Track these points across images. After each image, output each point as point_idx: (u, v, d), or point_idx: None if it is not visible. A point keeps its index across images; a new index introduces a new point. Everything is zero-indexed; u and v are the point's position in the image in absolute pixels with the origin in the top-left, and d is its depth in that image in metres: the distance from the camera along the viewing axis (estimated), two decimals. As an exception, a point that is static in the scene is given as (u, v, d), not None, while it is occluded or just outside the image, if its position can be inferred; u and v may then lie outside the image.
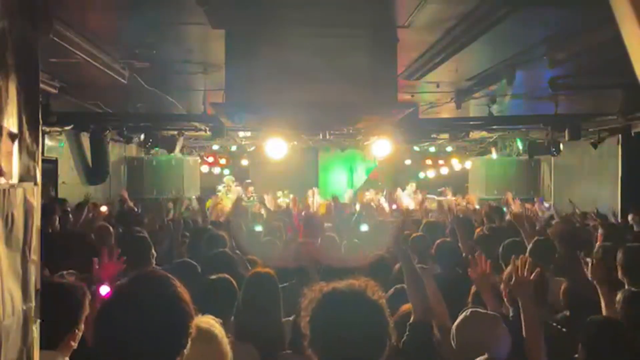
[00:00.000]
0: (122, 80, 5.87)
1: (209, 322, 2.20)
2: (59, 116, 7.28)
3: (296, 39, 4.51)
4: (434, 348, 2.91)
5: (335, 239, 5.73)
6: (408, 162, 14.64)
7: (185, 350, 1.66)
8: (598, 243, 5.40)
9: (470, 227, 6.27)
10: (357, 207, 10.11)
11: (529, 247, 4.47)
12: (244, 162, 14.27)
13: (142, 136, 9.01)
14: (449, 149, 13.48)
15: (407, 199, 11.68)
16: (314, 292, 1.93)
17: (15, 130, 1.61)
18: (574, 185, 10.82)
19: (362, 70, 4.57)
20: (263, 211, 8.32)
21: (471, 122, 9.17)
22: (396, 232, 3.39)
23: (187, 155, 12.11)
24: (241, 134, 10.68)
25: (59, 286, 2.53)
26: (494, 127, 9.53)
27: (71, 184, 8.90)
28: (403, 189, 12.94)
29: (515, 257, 2.97)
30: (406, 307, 3.10)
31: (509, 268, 3.01)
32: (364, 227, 6.33)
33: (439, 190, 12.98)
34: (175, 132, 9.39)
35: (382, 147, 8.50)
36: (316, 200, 11.32)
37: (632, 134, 8.74)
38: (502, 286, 3.29)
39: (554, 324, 3.32)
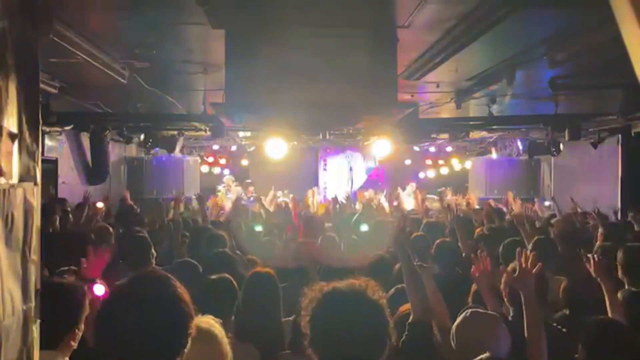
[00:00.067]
0: (122, 80, 5.87)
1: (209, 322, 2.20)
2: (59, 116, 7.27)
3: (296, 39, 4.51)
4: (433, 348, 2.92)
5: (335, 239, 5.73)
6: (408, 162, 14.64)
7: (185, 350, 1.66)
8: (598, 242, 5.40)
9: (470, 227, 6.28)
10: (357, 206, 10.12)
11: (529, 247, 4.47)
12: (244, 162, 14.26)
13: (142, 136, 9.01)
14: (449, 149, 13.47)
15: (408, 198, 11.67)
16: (314, 291, 1.94)
17: (15, 130, 1.61)
18: (574, 185, 10.81)
19: (362, 70, 4.57)
20: (262, 212, 8.32)
21: (471, 122, 9.17)
22: (396, 232, 3.39)
23: (187, 155, 12.11)
24: (241, 134, 10.68)
25: (59, 286, 2.53)
26: (494, 127, 9.53)
27: (71, 184, 8.90)
28: (403, 189, 12.94)
29: (519, 252, 2.97)
30: (406, 307, 3.11)
31: (514, 262, 3.00)
32: (364, 227, 6.33)
33: (438, 190, 12.96)
34: (175, 132, 9.38)
35: (382, 147, 8.50)
36: (316, 200, 11.33)
37: (632, 134, 8.74)
38: (502, 286, 3.29)
39: (554, 324, 3.32)
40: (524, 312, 2.80)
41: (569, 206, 8.36)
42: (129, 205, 8.31)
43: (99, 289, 2.86)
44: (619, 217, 8.35)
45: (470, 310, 2.81)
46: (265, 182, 13.14)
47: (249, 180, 13.46)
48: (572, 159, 10.92)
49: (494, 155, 12.41)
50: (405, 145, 11.60)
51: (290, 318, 3.47)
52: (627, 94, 6.68)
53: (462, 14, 4.21)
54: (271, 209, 8.62)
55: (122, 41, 5.14)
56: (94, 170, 9.23)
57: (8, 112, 1.57)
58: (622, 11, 1.11)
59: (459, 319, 2.77)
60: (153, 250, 4.50)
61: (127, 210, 7.86)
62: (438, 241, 4.81)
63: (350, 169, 15.19)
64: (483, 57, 5.56)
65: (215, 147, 13.23)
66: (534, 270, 2.86)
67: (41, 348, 1.78)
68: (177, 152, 10.24)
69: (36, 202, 1.73)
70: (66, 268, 3.43)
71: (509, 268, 3.13)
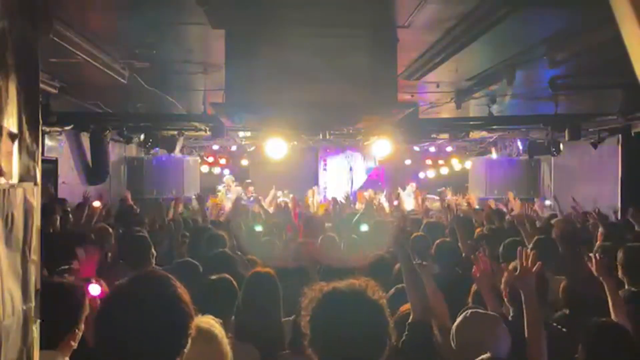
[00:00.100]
0: (122, 80, 5.87)
1: (209, 322, 2.20)
2: (59, 116, 7.27)
3: (296, 39, 4.51)
4: (433, 348, 2.92)
5: (335, 239, 5.73)
6: (408, 162, 14.64)
7: (185, 351, 1.66)
8: (598, 242, 5.40)
9: (470, 227, 6.28)
10: (357, 206, 10.12)
11: (530, 246, 4.47)
12: (244, 162, 14.26)
13: (142, 136, 9.00)
14: (449, 149, 13.47)
15: (408, 198, 11.67)
16: (314, 291, 1.94)
17: (15, 130, 1.61)
18: (574, 185, 10.81)
19: (362, 70, 4.57)
20: (262, 212, 8.33)
21: (471, 122, 9.16)
22: (396, 232, 3.39)
23: (187, 155, 12.11)
24: (241, 134, 10.68)
25: (59, 286, 2.53)
26: (494, 127, 9.53)
27: (71, 184, 8.89)
28: (403, 189, 12.94)
29: (520, 251, 2.97)
30: (406, 307, 3.11)
31: (515, 261, 3.00)
32: (364, 227, 6.33)
33: (438, 190, 12.96)
34: (175, 132, 9.38)
35: (382, 147, 8.50)
36: (316, 200, 11.33)
37: (632, 134, 8.74)
38: (502, 286, 3.29)
39: (554, 324, 3.32)
40: (525, 311, 2.80)
41: (569, 206, 8.36)
42: (129, 206, 8.31)
43: (95, 289, 2.85)
44: (619, 217, 8.34)
45: (470, 310, 2.82)
46: (265, 182, 13.13)
47: (249, 180, 13.45)
48: (572, 159, 10.92)
49: (494, 155, 12.41)
50: (405, 145, 11.60)
51: (290, 318, 3.48)
52: (627, 94, 6.68)
53: (462, 14, 4.21)
54: (271, 209, 8.62)
55: (122, 41, 5.13)
56: (94, 170, 9.23)
57: (8, 112, 1.57)
58: (622, 11, 1.11)
59: (459, 319, 2.77)
60: (153, 250, 4.51)
61: (127, 210, 7.87)
62: (438, 241, 4.80)
63: (350, 169, 15.19)
64: (483, 57, 5.56)
65: (215, 147, 13.23)
66: (535, 269, 2.87)
67: (41, 348, 1.78)
68: (177, 152, 10.23)
69: (36, 202, 1.73)
70: (66, 267, 3.43)
71: (510, 267, 3.13)
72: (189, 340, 1.67)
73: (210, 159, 13.79)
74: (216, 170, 13.96)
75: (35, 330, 1.71)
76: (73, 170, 9.10)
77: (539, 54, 5.20)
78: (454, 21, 4.37)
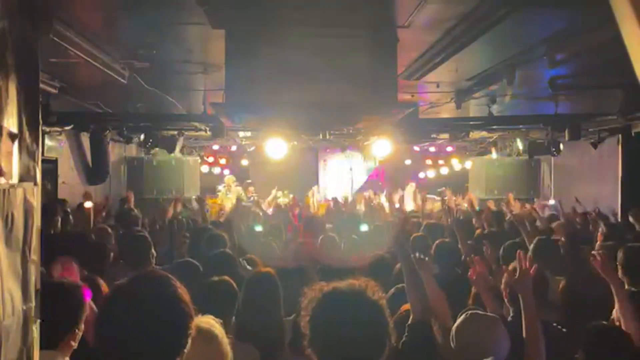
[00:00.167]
0: (122, 80, 5.87)
1: (209, 322, 2.20)
2: (59, 116, 7.27)
3: (296, 39, 4.51)
4: (433, 348, 2.92)
5: (335, 239, 5.73)
6: (408, 162, 14.64)
7: (185, 351, 1.66)
8: (598, 242, 5.41)
9: (470, 228, 6.28)
10: (357, 206, 10.12)
11: (531, 247, 4.47)
12: (244, 162, 14.26)
13: (142, 136, 8.99)
14: (449, 149, 13.46)
15: (407, 199, 11.67)
16: (314, 291, 1.94)
17: (15, 130, 1.61)
18: (574, 185, 10.81)
19: (362, 70, 4.57)
20: (261, 214, 8.34)
21: (471, 122, 9.16)
22: (397, 232, 3.39)
23: (187, 155, 12.11)
24: (241, 134, 10.67)
25: (59, 286, 2.53)
26: (494, 127, 9.52)
27: (71, 184, 8.89)
28: (403, 189, 12.94)
29: (511, 261, 2.98)
30: (406, 306, 3.11)
31: (514, 263, 3.01)
32: (364, 227, 6.34)
33: (438, 190, 12.97)
34: (175, 132, 9.37)
35: (382, 147, 8.50)
36: (316, 200, 11.33)
37: (632, 134, 8.73)
38: (502, 287, 3.30)
39: (554, 324, 3.32)
40: (523, 314, 2.81)
41: (569, 206, 8.36)
42: (129, 208, 8.31)
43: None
44: (619, 220, 8.34)
45: (470, 311, 2.82)
46: (265, 182, 13.14)
47: (249, 181, 13.46)
48: (572, 159, 10.91)
49: (494, 155, 12.41)
50: (405, 145, 11.58)
51: (290, 317, 3.48)
52: (627, 94, 6.68)
53: (462, 14, 4.21)
54: (270, 210, 8.63)
55: (122, 41, 5.14)
56: (94, 170, 9.22)
57: (8, 112, 1.57)
58: (622, 11, 1.11)
59: (458, 320, 2.77)
60: (153, 251, 4.51)
61: (127, 211, 7.87)
62: (437, 241, 4.81)
63: (350, 169, 15.19)
64: (483, 57, 5.56)
65: (215, 147, 13.22)
66: (532, 270, 2.88)
67: (41, 348, 1.78)
68: (177, 152, 10.23)
69: (36, 202, 1.73)
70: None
71: (510, 267, 3.13)
72: (189, 340, 1.67)
73: (210, 159, 13.78)
74: (216, 170, 13.96)
75: (35, 330, 1.71)
76: (73, 170, 9.10)
77: (539, 54, 5.20)
78: (454, 21, 4.37)
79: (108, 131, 8.64)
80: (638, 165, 9.16)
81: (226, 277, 3.39)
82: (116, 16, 4.47)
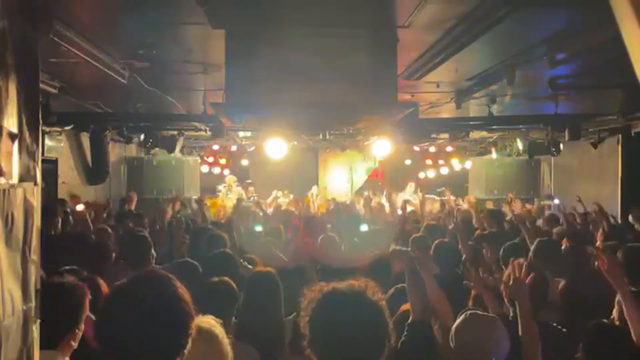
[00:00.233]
0: (122, 80, 5.87)
1: (209, 322, 2.20)
2: (59, 116, 7.27)
3: (296, 39, 4.51)
4: (432, 348, 2.92)
5: (335, 239, 5.73)
6: (408, 162, 14.64)
7: (185, 351, 1.66)
8: (598, 242, 5.40)
9: (470, 229, 6.28)
10: (357, 206, 10.11)
11: (532, 248, 4.47)
12: (244, 162, 14.25)
13: (142, 136, 9.00)
14: (449, 149, 13.46)
15: (409, 199, 11.66)
16: (314, 292, 1.94)
17: (15, 130, 1.61)
18: (574, 185, 10.81)
19: (362, 70, 4.57)
20: (261, 213, 8.33)
21: (471, 122, 9.16)
22: (397, 233, 3.40)
23: (187, 155, 12.11)
24: (241, 134, 10.67)
25: (59, 286, 2.53)
26: (494, 127, 9.53)
27: (71, 184, 8.90)
28: (403, 190, 12.94)
29: (513, 259, 2.99)
30: (405, 306, 3.11)
31: (508, 270, 3.02)
32: (364, 227, 6.34)
33: (438, 190, 12.97)
34: (175, 132, 9.38)
35: (382, 147, 8.50)
36: (317, 200, 11.32)
37: (632, 134, 8.74)
38: (502, 286, 3.29)
39: (554, 324, 3.32)
40: (519, 318, 2.82)
41: (570, 206, 8.35)
42: (129, 210, 8.31)
43: None
44: (618, 220, 8.34)
45: (469, 312, 2.82)
46: (265, 182, 13.15)
47: (249, 181, 13.45)
48: (572, 159, 10.91)
49: (494, 155, 12.40)
50: (405, 145, 11.59)
51: (290, 317, 3.47)
52: (627, 94, 6.68)
53: (462, 14, 4.21)
54: (270, 210, 8.63)
55: (122, 41, 5.14)
56: (94, 170, 9.23)
57: (8, 112, 1.57)
58: (622, 11, 1.11)
59: (458, 321, 2.77)
60: (153, 251, 4.50)
61: (126, 213, 7.87)
62: (437, 242, 4.80)
63: (350, 169, 15.19)
64: (483, 57, 5.56)
65: (215, 147, 13.21)
66: (528, 280, 2.90)
67: (41, 348, 1.78)
68: (177, 152, 10.23)
69: (36, 202, 1.73)
70: (67, 268, 3.43)
71: (505, 276, 3.14)
72: (190, 341, 1.67)
73: (210, 159, 13.77)
74: (216, 170, 13.95)
75: (35, 330, 1.71)
76: (73, 170, 9.10)
77: (539, 54, 5.20)
78: (454, 21, 4.37)
79: (108, 131, 8.65)
80: (638, 165, 9.17)
81: (226, 278, 3.38)
82: (116, 16, 4.47)
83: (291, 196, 11.03)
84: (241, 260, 4.34)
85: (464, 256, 4.86)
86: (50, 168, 8.29)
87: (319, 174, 15.40)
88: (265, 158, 8.81)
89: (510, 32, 4.47)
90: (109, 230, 5.78)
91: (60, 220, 6.28)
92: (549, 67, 5.40)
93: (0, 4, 1.54)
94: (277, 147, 7.39)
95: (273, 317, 3.50)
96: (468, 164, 13.05)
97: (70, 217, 6.77)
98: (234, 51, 4.57)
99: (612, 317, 3.35)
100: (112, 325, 1.63)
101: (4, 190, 1.53)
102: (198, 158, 12.39)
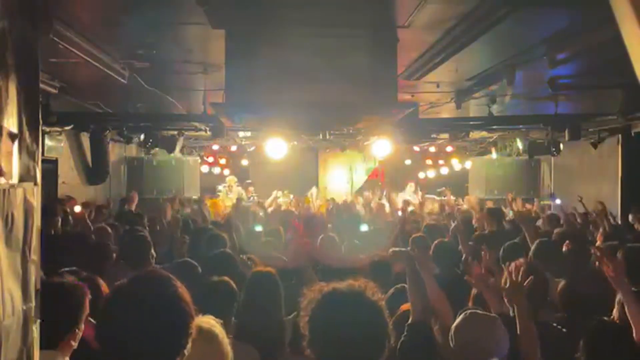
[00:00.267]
0: (122, 80, 5.87)
1: (209, 322, 2.20)
2: (59, 116, 7.27)
3: (296, 39, 4.51)
4: (432, 348, 2.92)
5: (335, 239, 5.73)
6: (408, 162, 14.64)
7: (185, 351, 1.66)
8: (598, 242, 5.40)
9: (470, 229, 6.28)
10: (357, 206, 10.12)
11: (532, 248, 4.47)
12: (244, 162, 14.26)
13: (142, 136, 9.00)
14: (449, 149, 13.47)
15: (409, 199, 11.66)
16: (314, 292, 1.94)
17: (15, 130, 1.61)
18: (574, 185, 10.81)
19: (362, 70, 4.57)
20: (262, 213, 8.33)
21: (471, 122, 9.16)
22: (397, 233, 3.40)
23: (187, 155, 12.11)
24: (241, 134, 10.68)
25: (59, 286, 2.53)
26: (494, 127, 9.53)
27: (71, 184, 8.90)
28: (402, 189, 12.94)
29: (510, 261, 2.99)
30: (405, 306, 3.11)
31: (505, 273, 3.02)
32: (364, 227, 6.33)
33: (438, 190, 12.97)
34: (175, 132, 9.38)
35: (382, 147, 8.50)
36: (317, 200, 11.33)
37: (632, 134, 8.74)
38: (502, 286, 3.29)
39: (554, 324, 3.32)
40: (517, 320, 2.82)
41: (570, 206, 8.36)
42: (129, 210, 8.31)
43: None
44: (618, 220, 8.34)
45: (469, 311, 2.82)
46: (265, 182, 13.15)
47: (249, 181, 13.45)
48: (572, 159, 10.91)
49: (494, 155, 12.41)
50: (405, 145, 11.59)
51: (290, 317, 3.47)
52: (627, 94, 6.68)
53: (462, 14, 4.21)
54: (270, 209, 8.63)
55: (122, 41, 5.13)
56: (94, 170, 9.23)
57: (8, 112, 1.57)
58: (622, 11, 1.11)
59: (457, 320, 2.77)
60: (153, 251, 4.50)
61: (126, 213, 7.87)
62: (436, 242, 4.80)
63: (350, 169, 15.20)
64: (483, 57, 5.56)
65: (215, 147, 13.22)
66: (526, 283, 2.89)
67: (41, 348, 1.78)
68: (177, 152, 10.24)
69: (36, 202, 1.73)
70: (67, 269, 3.43)
71: (503, 278, 3.14)
72: (190, 341, 1.67)
73: (210, 159, 13.78)
74: (216, 170, 13.95)
75: (35, 330, 1.71)
76: (73, 170, 9.10)
77: (539, 54, 5.20)
78: (454, 21, 4.37)
79: (108, 131, 8.65)
80: (638, 165, 9.17)
81: (226, 278, 3.38)
82: (116, 16, 4.47)
83: (291, 196, 11.03)
84: (242, 255, 4.34)
85: (464, 256, 4.86)
86: (50, 168, 8.29)
87: (319, 174, 15.41)
88: (265, 158, 8.81)
89: (510, 32, 4.47)
90: (109, 230, 5.79)
91: (60, 220, 6.28)
92: (549, 67, 5.40)
93: (0, 4, 1.54)
94: (277, 147, 7.39)
95: (273, 317, 3.50)
96: (468, 164, 13.05)
97: (70, 217, 6.78)
98: (234, 51, 4.57)
99: (612, 317, 3.35)
100: (113, 325, 1.63)
101: (4, 190, 1.53)
102: (198, 158, 12.40)
